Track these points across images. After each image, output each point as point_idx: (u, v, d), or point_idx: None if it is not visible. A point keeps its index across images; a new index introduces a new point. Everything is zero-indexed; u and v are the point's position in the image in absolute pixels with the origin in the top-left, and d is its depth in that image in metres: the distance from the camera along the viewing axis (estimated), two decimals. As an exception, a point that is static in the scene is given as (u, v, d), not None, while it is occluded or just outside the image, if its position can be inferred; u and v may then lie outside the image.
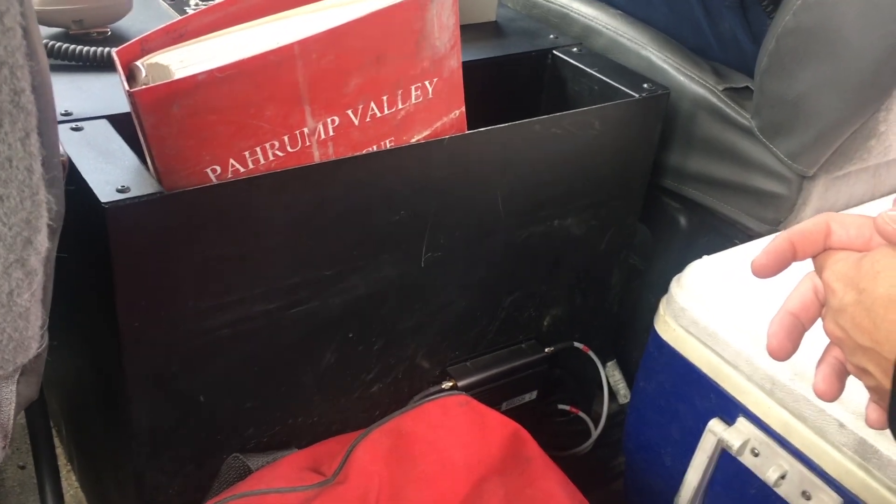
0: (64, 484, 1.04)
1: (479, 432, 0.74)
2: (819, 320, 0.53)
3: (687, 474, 0.83)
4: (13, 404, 0.54)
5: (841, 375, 0.52)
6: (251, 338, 0.74)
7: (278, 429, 0.82)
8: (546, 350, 0.98)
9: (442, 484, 0.70)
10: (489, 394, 0.92)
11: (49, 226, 0.45)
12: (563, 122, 0.83)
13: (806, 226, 0.52)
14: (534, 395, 0.99)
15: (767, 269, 0.52)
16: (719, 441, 0.79)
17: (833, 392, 0.52)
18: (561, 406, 1.08)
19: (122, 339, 0.67)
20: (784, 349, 0.52)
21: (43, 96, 0.42)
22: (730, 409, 0.79)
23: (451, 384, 0.90)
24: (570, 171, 0.88)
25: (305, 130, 0.68)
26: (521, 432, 0.76)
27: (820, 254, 0.52)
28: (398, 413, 0.75)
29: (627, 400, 1.14)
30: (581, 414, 1.09)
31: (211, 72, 0.61)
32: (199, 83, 0.61)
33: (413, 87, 0.73)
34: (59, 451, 1.10)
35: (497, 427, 0.75)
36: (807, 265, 0.54)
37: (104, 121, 0.72)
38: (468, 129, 0.80)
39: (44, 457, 0.81)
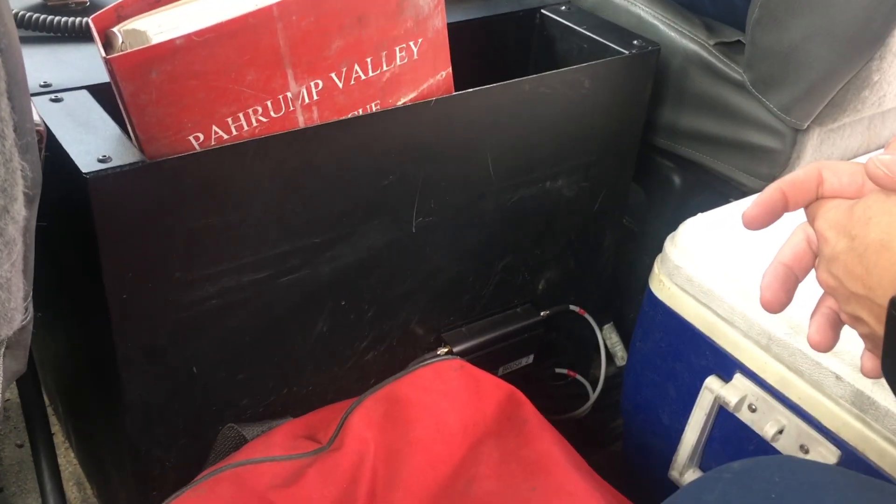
0: (62, 461, 1.04)
1: (474, 395, 0.74)
2: (813, 271, 0.53)
3: (685, 432, 0.83)
4: (0, 378, 0.54)
5: (835, 325, 0.51)
6: (241, 308, 0.74)
7: (273, 399, 0.81)
8: (541, 314, 0.97)
9: (437, 448, 0.70)
10: (485, 359, 0.91)
11: (25, 194, 0.44)
12: (553, 81, 0.82)
13: (797, 175, 0.51)
14: (530, 359, 0.99)
15: (759, 221, 0.51)
16: (716, 398, 0.78)
17: (827, 342, 0.51)
18: (558, 370, 1.08)
19: (110, 312, 0.67)
20: (778, 301, 0.52)
21: (11, 59, 0.40)
22: (726, 366, 0.78)
23: (446, 350, 0.90)
24: (560, 131, 0.87)
25: (289, 95, 0.67)
26: (517, 394, 0.75)
27: (812, 203, 0.51)
28: (392, 379, 0.74)
29: (625, 362, 1.14)
30: (579, 377, 1.09)
31: (188, 36, 0.60)
32: (177, 48, 0.59)
33: (397, 49, 0.71)
34: (57, 428, 1.10)
35: (492, 390, 0.75)
36: (799, 216, 0.53)
37: (84, 91, 0.71)
38: (456, 91, 0.78)
39: (39, 434, 0.81)
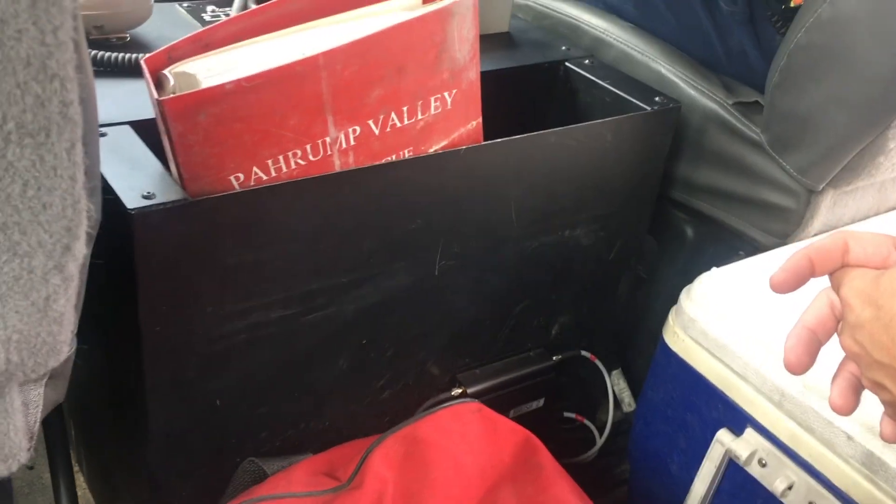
0: (72, 485, 1.05)
1: (492, 439, 0.75)
2: (835, 335, 0.54)
3: (694, 483, 0.84)
4: (40, 407, 0.55)
5: (856, 390, 0.53)
6: (268, 343, 0.75)
7: (291, 433, 0.82)
8: (554, 358, 0.99)
9: (455, 490, 0.71)
10: (497, 401, 0.93)
11: (88, 233, 0.46)
12: (578, 134, 0.85)
13: (824, 243, 0.53)
14: (541, 402, 1.01)
15: (786, 285, 0.54)
16: (727, 451, 0.80)
17: (849, 406, 0.53)
18: (567, 414, 1.09)
19: (142, 343, 0.68)
20: (801, 363, 0.54)
21: (88, 108, 0.42)
22: (738, 420, 0.80)
23: (460, 391, 0.91)
24: (581, 182, 0.89)
25: (327, 140, 0.69)
26: (533, 440, 0.77)
27: (837, 270, 0.53)
28: (413, 419, 0.76)
29: (632, 408, 1.15)
30: (586, 422, 1.10)
31: (238, 81, 0.62)
32: (226, 92, 0.62)
33: (433, 99, 0.74)
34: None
35: (509, 434, 0.76)
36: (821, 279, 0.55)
37: (127, 127, 0.73)
38: (483, 140, 0.81)
39: (59, 458, 0.81)
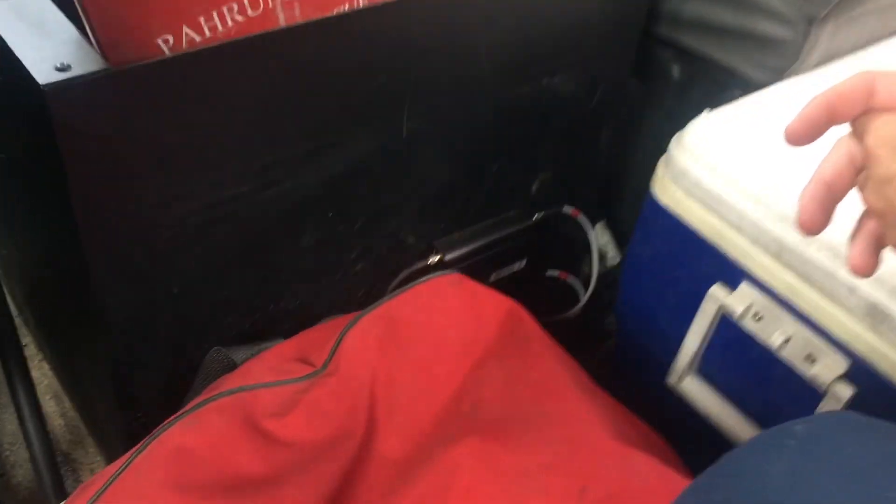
0: (37, 374, 1.01)
1: (474, 312, 0.70)
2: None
3: (685, 339, 0.81)
4: None
5: (878, 249, 0.48)
6: (223, 224, 0.68)
7: (259, 316, 0.77)
8: (535, 217, 0.93)
9: (438, 368, 0.67)
10: (477, 266, 0.88)
11: None
12: (552, -32, 0.75)
13: (846, 85, 0.46)
14: (523, 263, 0.96)
15: (803, 136, 0.47)
16: (720, 307, 0.76)
17: (869, 267, 0.48)
18: (550, 272, 1.05)
19: (81, 235, 0.61)
20: (816, 223, 0.48)
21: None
22: (732, 274, 0.75)
23: (437, 258, 0.86)
24: (557, 22, 0.80)
25: (267, -11, 0.60)
26: (517, 310, 0.72)
27: (861, 116, 0.46)
28: (388, 297, 0.70)
29: (616, 261, 1.11)
30: (570, 279, 1.06)
31: (152, -77, 0.52)
32: (138, -63, 0.52)
33: (386, -67, 0.64)
34: (29, 339, 1.05)
35: (492, 306, 0.71)
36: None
37: (34, -13, 0.63)
38: (448, -20, 0.71)
39: (8, 346, 0.76)
